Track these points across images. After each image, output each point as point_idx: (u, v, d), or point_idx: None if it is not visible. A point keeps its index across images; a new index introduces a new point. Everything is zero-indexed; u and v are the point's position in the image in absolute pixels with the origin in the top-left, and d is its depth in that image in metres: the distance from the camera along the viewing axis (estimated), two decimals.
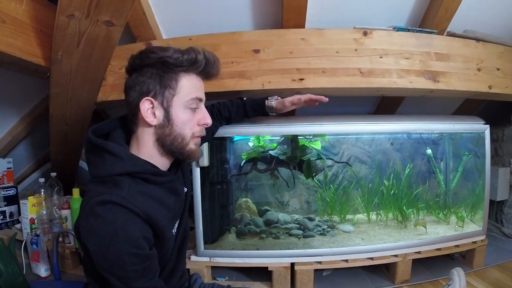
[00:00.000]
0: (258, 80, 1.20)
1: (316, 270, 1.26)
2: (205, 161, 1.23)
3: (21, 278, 1.23)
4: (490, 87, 1.30)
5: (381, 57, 1.20)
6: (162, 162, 0.71)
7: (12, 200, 1.63)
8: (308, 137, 1.42)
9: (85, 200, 0.62)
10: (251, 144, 1.50)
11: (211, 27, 1.27)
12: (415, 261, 1.30)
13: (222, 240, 1.38)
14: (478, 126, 1.37)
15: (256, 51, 1.20)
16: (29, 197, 1.46)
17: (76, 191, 1.43)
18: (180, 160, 0.75)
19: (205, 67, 0.70)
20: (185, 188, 0.81)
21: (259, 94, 1.22)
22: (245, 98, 1.09)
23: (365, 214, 1.58)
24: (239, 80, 1.20)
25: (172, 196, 0.71)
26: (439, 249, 1.33)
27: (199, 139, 0.74)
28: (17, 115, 1.68)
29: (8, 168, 1.76)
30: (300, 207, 1.64)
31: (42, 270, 1.36)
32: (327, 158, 1.51)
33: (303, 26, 1.23)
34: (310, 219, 1.50)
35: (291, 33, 1.20)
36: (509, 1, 1.30)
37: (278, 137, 1.47)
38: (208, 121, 0.73)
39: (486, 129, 1.36)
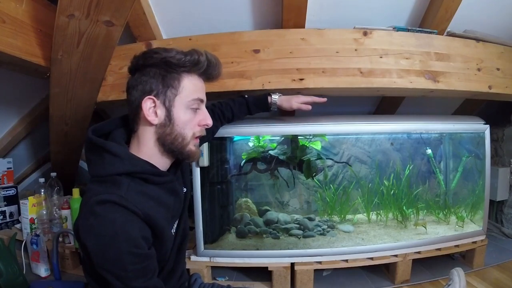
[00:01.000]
0: (258, 80, 1.20)
1: (316, 270, 1.26)
2: (205, 161, 1.23)
3: (21, 278, 1.23)
4: (490, 87, 1.30)
5: (381, 57, 1.20)
6: (162, 162, 0.71)
7: (12, 200, 1.63)
8: (308, 137, 1.42)
9: (84, 199, 0.63)
10: (251, 144, 1.50)
11: (211, 27, 1.27)
12: (415, 261, 1.30)
13: (222, 240, 1.38)
14: (478, 126, 1.37)
15: (256, 51, 1.20)
16: (29, 197, 1.46)
17: (76, 191, 1.43)
18: (180, 160, 0.75)
19: (207, 69, 0.71)
20: (185, 188, 0.81)
21: (259, 93, 1.22)
22: (246, 96, 1.11)
23: (365, 214, 1.58)
24: (239, 80, 1.20)
25: (171, 196, 0.72)
26: (439, 249, 1.33)
27: (197, 139, 0.74)
28: (17, 115, 1.68)
29: (8, 168, 1.76)
30: (300, 207, 1.64)
31: (42, 270, 1.36)
32: (327, 158, 1.52)
33: (303, 26, 1.23)
34: (310, 219, 1.50)
35: (291, 33, 1.20)
36: (509, 1, 1.30)
37: (278, 137, 1.47)
38: (209, 122, 0.73)
39: (486, 129, 1.36)
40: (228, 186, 1.52)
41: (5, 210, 1.60)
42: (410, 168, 1.53)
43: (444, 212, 1.55)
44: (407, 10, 1.32)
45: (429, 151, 1.59)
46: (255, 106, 1.11)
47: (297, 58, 1.19)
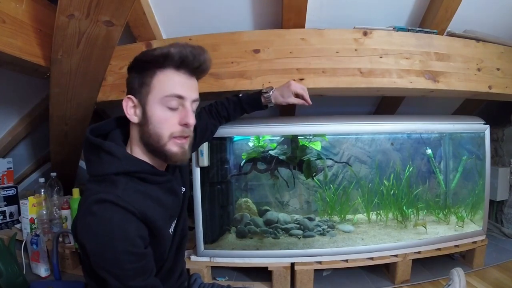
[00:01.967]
0: (258, 80, 1.20)
1: (316, 270, 1.26)
2: (205, 161, 1.23)
3: (21, 278, 1.23)
4: (490, 87, 1.30)
5: (381, 57, 1.20)
6: (155, 161, 0.70)
7: (12, 200, 1.63)
8: (308, 137, 1.42)
9: (82, 199, 0.63)
10: (251, 144, 1.50)
11: (211, 27, 1.27)
12: (415, 261, 1.30)
13: (222, 240, 1.38)
14: (478, 126, 1.37)
15: (256, 51, 1.20)
16: (29, 197, 1.46)
17: (76, 191, 1.43)
18: (166, 161, 0.72)
19: (184, 61, 0.66)
20: (183, 188, 0.81)
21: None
22: (240, 95, 1.05)
23: (365, 214, 1.58)
24: (239, 80, 1.20)
25: (169, 196, 0.72)
26: (439, 249, 1.33)
27: (183, 140, 0.69)
28: (17, 115, 1.68)
29: (8, 168, 1.76)
30: (300, 207, 1.64)
31: (42, 270, 1.36)
32: (327, 158, 1.52)
33: (303, 26, 1.23)
34: (310, 219, 1.50)
35: (291, 33, 1.20)
36: (509, 1, 1.30)
37: (278, 137, 1.47)
38: (189, 121, 0.67)
39: (486, 129, 1.36)
40: (228, 186, 1.52)
41: (5, 210, 1.60)
42: (410, 168, 1.52)
43: (444, 212, 1.55)
44: (407, 10, 1.32)
45: (429, 151, 1.58)
46: (249, 106, 1.05)
47: (297, 58, 1.19)
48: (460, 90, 1.27)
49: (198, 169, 1.23)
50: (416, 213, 1.50)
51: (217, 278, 1.32)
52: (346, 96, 1.51)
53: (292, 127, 1.26)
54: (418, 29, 1.27)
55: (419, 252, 1.30)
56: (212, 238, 1.35)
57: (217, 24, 1.28)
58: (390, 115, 1.70)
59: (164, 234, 0.68)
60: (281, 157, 1.43)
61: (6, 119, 1.67)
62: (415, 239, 1.36)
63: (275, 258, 1.27)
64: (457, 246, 1.36)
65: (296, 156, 1.43)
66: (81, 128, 1.46)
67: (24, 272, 1.30)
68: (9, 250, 1.28)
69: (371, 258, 1.28)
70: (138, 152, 0.69)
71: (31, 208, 1.45)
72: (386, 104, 1.74)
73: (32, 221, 1.46)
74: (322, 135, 1.41)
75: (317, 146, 1.43)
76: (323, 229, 1.44)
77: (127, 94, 0.69)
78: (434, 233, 1.40)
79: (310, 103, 1.04)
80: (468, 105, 1.77)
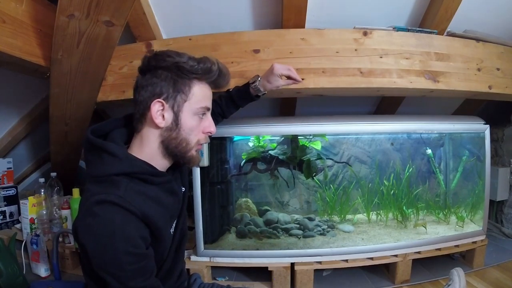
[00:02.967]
0: None
1: (316, 270, 1.26)
2: (205, 161, 1.23)
3: (21, 278, 1.23)
4: (490, 87, 1.30)
5: (381, 57, 1.20)
6: (161, 164, 0.71)
7: (12, 200, 1.63)
8: (308, 137, 1.42)
9: (83, 199, 0.63)
10: (251, 144, 1.50)
11: (211, 27, 1.27)
12: (415, 261, 1.30)
13: (222, 240, 1.38)
14: (478, 126, 1.37)
15: (256, 51, 1.20)
16: (29, 197, 1.46)
17: (76, 191, 1.43)
18: (179, 164, 0.76)
19: (217, 78, 0.72)
20: (183, 188, 0.81)
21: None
22: (230, 89, 1.01)
23: (365, 214, 1.58)
24: (239, 80, 1.20)
25: (170, 196, 0.72)
26: (439, 249, 1.33)
27: (202, 146, 0.75)
28: (17, 115, 1.68)
29: (8, 168, 1.76)
30: (300, 207, 1.64)
31: (42, 270, 1.36)
32: (327, 158, 1.52)
33: (303, 26, 1.23)
34: (310, 219, 1.50)
35: (291, 33, 1.20)
36: (509, 1, 1.30)
37: (278, 137, 1.47)
38: (213, 129, 0.74)
39: (486, 129, 1.36)
40: (228, 186, 1.52)
41: (5, 210, 1.59)
42: (410, 168, 1.52)
43: (444, 212, 1.55)
44: (407, 10, 1.32)
45: (429, 151, 1.59)
46: (240, 99, 1.02)
47: (297, 58, 1.19)
48: (460, 90, 1.27)
49: (198, 169, 1.23)
50: (416, 213, 1.50)
51: (217, 278, 1.32)
52: (346, 96, 1.51)
53: (292, 127, 1.26)
54: (418, 29, 1.27)
55: (419, 252, 1.30)
56: (212, 238, 1.35)
57: (217, 24, 1.28)
58: (390, 115, 1.70)
59: (165, 234, 0.68)
60: (281, 157, 1.43)
61: (6, 119, 1.67)
62: (415, 239, 1.36)
63: (275, 258, 1.27)
64: (457, 246, 1.36)
65: (296, 156, 1.43)
66: (81, 128, 1.46)
67: (24, 272, 1.30)
68: (9, 250, 1.28)
69: (371, 258, 1.28)
70: (149, 153, 0.69)
71: (31, 208, 1.45)
72: (386, 104, 1.74)
73: (32, 221, 1.46)
74: (322, 135, 1.41)
75: (317, 146, 1.44)
76: (323, 229, 1.44)
77: (153, 96, 0.66)
78: (434, 233, 1.40)
79: (301, 80, 1.00)
80: (468, 105, 1.77)
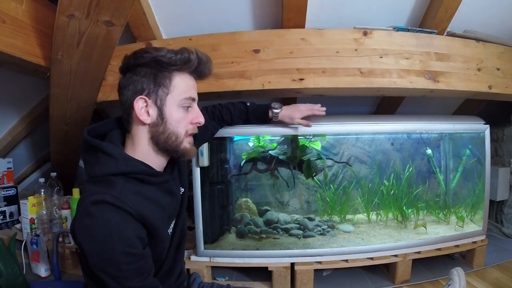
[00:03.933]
0: (258, 80, 1.20)
1: (316, 270, 1.26)
2: (205, 161, 1.23)
3: (21, 278, 1.23)
4: (490, 87, 1.30)
5: (381, 57, 1.20)
6: (157, 161, 0.71)
7: (12, 200, 1.63)
8: (308, 137, 1.42)
9: (80, 200, 0.63)
10: (251, 144, 1.50)
11: (211, 27, 1.27)
12: (415, 261, 1.30)
13: (222, 240, 1.38)
14: (478, 126, 1.37)
15: (256, 51, 1.20)
16: (29, 197, 1.46)
17: (76, 191, 1.43)
18: (175, 158, 0.75)
19: (198, 67, 0.70)
20: (182, 189, 0.81)
21: (259, 94, 1.22)
22: (248, 104, 1.07)
23: (365, 214, 1.58)
24: (239, 80, 1.20)
25: (167, 197, 0.72)
26: (439, 249, 1.33)
27: (191, 137, 0.74)
28: (17, 115, 1.68)
29: (8, 168, 1.76)
30: (300, 207, 1.64)
31: (42, 270, 1.36)
32: (327, 158, 1.51)
33: (303, 26, 1.23)
34: (310, 219, 1.50)
35: (291, 33, 1.20)
36: (509, 1, 1.30)
37: (278, 137, 1.47)
38: (201, 119, 0.72)
39: (486, 129, 1.36)
40: (228, 186, 1.52)
41: (5, 210, 1.60)
42: (410, 168, 1.52)
43: (444, 212, 1.55)
44: (407, 10, 1.32)
45: (429, 151, 1.58)
46: (255, 116, 1.08)
47: (297, 58, 1.19)
48: (460, 90, 1.27)
49: (198, 169, 1.23)
50: (416, 213, 1.50)
51: (217, 278, 1.32)
52: (346, 96, 1.51)
53: (292, 127, 1.26)
54: (418, 29, 1.27)
55: (419, 252, 1.30)
56: (212, 238, 1.35)
57: (217, 24, 1.28)
58: (390, 115, 1.70)
59: (162, 235, 0.68)
60: (281, 157, 1.43)
61: (6, 119, 1.67)
62: (415, 239, 1.36)
63: (275, 258, 1.27)
64: (457, 246, 1.36)
65: (296, 156, 1.43)
66: (81, 128, 1.46)
67: (24, 272, 1.30)
68: (9, 250, 1.28)
69: (371, 258, 1.28)
70: (142, 152, 0.69)
71: (31, 208, 1.45)
72: (386, 104, 1.74)
73: (32, 221, 1.46)
74: (322, 135, 1.41)
75: (317, 146, 1.43)
76: (323, 229, 1.44)
77: (135, 94, 0.67)
78: (434, 233, 1.40)
79: (324, 112, 1.12)
80: (468, 105, 1.77)
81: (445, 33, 1.31)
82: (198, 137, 0.94)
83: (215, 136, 1.11)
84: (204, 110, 1.01)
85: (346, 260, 1.27)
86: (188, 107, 0.70)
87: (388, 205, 1.53)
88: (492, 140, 1.55)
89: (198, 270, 1.23)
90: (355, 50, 1.20)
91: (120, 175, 0.63)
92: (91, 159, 0.66)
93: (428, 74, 1.23)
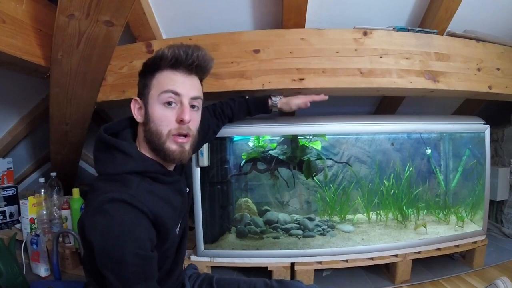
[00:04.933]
0: (258, 80, 1.20)
1: (316, 270, 1.26)
2: (205, 161, 1.23)
3: (21, 278, 1.23)
4: (490, 87, 1.30)
5: (381, 57, 1.20)
6: (160, 161, 0.71)
7: (12, 200, 1.63)
8: (308, 137, 1.42)
9: (92, 196, 0.62)
10: (251, 144, 1.50)
11: (211, 27, 1.27)
12: (415, 261, 1.30)
13: (222, 240, 1.38)
14: (478, 126, 1.37)
15: (256, 51, 1.20)
16: (29, 197, 1.46)
17: (76, 191, 1.43)
18: (166, 161, 0.71)
19: (177, 60, 0.67)
20: (187, 188, 0.82)
21: (259, 94, 1.22)
22: (247, 97, 1.12)
23: (365, 214, 1.58)
24: (239, 80, 1.20)
25: (178, 196, 0.73)
26: (439, 249, 1.33)
27: (184, 139, 0.69)
28: (17, 115, 1.68)
29: (8, 168, 1.76)
30: (300, 207, 1.64)
31: (42, 270, 1.36)
32: (327, 158, 1.51)
33: (303, 26, 1.23)
34: (310, 219, 1.50)
35: (291, 33, 1.20)
36: (509, 1, 1.30)
37: (278, 137, 1.47)
38: (184, 117, 0.67)
39: (486, 129, 1.36)
40: (228, 186, 1.52)
41: (5, 210, 1.59)
42: (410, 168, 1.52)
43: (444, 212, 1.55)
44: (407, 10, 1.32)
45: (429, 151, 1.58)
46: (255, 107, 1.12)
47: (297, 58, 1.19)
48: (460, 90, 1.27)
49: (198, 169, 1.23)
50: (416, 213, 1.50)
51: None
52: (346, 96, 1.51)
53: (292, 127, 1.26)
54: (418, 29, 1.27)
55: (419, 252, 1.30)
56: (212, 238, 1.35)
57: (217, 24, 1.28)
58: (390, 115, 1.70)
59: (171, 235, 0.69)
60: (281, 157, 1.43)
61: (6, 119, 1.67)
62: (415, 239, 1.36)
63: (275, 258, 1.27)
64: (457, 246, 1.36)
65: (296, 156, 1.43)
66: (81, 128, 1.46)
67: (24, 272, 1.30)
68: (9, 250, 1.28)
69: (371, 258, 1.28)
70: (144, 150, 0.70)
71: (31, 208, 1.45)
72: (386, 104, 1.74)
73: (32, 221, 1.46)
74: (322, 135, 1.41)
75: (317, 146, 1.43)
76: (323, 229, 1.44)
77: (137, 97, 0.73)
78: (434, 233, 1.40)
79: (324, 98, 1.14)
80: (468, 105, 1.77)
81: (445, 33, 1.31)
82: (200, 137, 0.95)
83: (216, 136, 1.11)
84: (205, 109, 1.02)
85: (346, 260, 1.27)
86: (170, 102, 0.67)
87: (388, 205, 1.53)
88: (492, 140, 1.55)
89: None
90: (355, 50, 1.20)
91: (135, 174, 0.64)
92: (105, 157, 0.66)
93: (428, 74, 1.23)
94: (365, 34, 1.20)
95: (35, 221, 1.46)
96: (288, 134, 1.38)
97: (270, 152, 1.45)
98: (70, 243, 1.43)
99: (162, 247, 0.67)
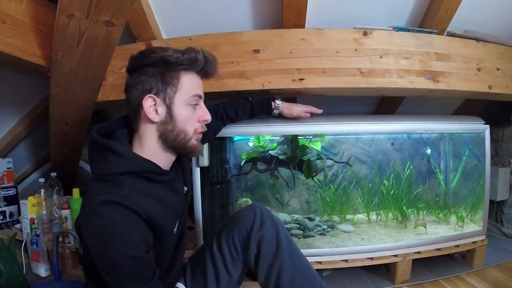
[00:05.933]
0: (258, 80, 1.20)
1: (316, 270, 1.26)
2: (205, 161, 1.23)
3: (21, 278, 1.23)
4: (490, 87, 1.30)
5: (381, 57, 1.20)
6: (165, 159, 0.72)
7: (12, 200, 1.63)
8: (308, 137, 1.42)
9: (86, 198, 0.63)
10: (251, 144, 1.50)
11: (211, 27, 1.27)
12: (415, 261, 1.30)
13: None
14: (478, 126, 1.37)
15: (256, 51, 1.20)
16: (29, 197, 1.46)
17: (76, 191, 1.43)
18: (182, 156, 0.77)
19: (204, 66, 0.72)
20: (185, 188, 0.82)
21: (259, 94, 1.22)
22: (250, 98, 1.14)
23: (365, 214, 1.58)
24: (239, 80, 1.20)
25: (173, 195, 0.72)
26: (439, 249, 1.33)
27: (201, 135, 0.76)
28: (17, 115, 1.68)
29: (8, 168, 1.76)
30: (300, 207, 1.64)
31: (42, 270, 1.36)
32: (327, 158, 1.51)
33: (303, 26, 1.23)
34: (310, 219, 1.50)
35: (291, 33, 1.20)
36: (509, 1, 1.30)
37: (278, 137, 1.47)
38: (208, 117, 0.74)
39: (486, 129, 1.36)
40: (228, 186, 1.52)
41: (5, 210, 1.59)
42: (410, 168, 1.52)
43: (444, 212, 1.55)
44: (407, 10, 1.32)
45: (429, 151, 1.58)
46: (258, 108, 1.14)
47: (297, 58, 1.19)
48: (460, 90, 1.27)
49: (198, 169, 1.23)
50: (416, 213, 1.50)
51: None
52: (346, 96, 1.51)
53: (292, 127, 1.26)
54: (418, 29, 1.27)
55: (419, 252, 1.30)
56: None
57: (217, 24, 1.28)
58: (390, 115, 1.70)
59: (168, 234, 0.69)
60: (281, 157, 1.43)
61: (6, 119, 1.67)
62: (415, 239, 1.36)
63: None
64: (457, 246, 1.36)
65: (296, 156, 1.43)
66: (81, 128, 1.46)
67: (24, 272, 1.30)
68: (9, 250, 1.28)
69: (371, 258, 1.28)
70: (150, 150, 0.70)
71: (31, 208, 1.45)
72: (386, 104, 1.74)
73: (32, 221, 1.46)
74: (322, 135, 1.41)
75: (317, 146, 1.43)
76: (323, 229, 1.44)
77: (143, 93, 0.68)
78: (434, 233, 1.40)
79: (320, 111, 1.19)
80: (468, 105, 1.77)
81: (445, 33, 1.31)
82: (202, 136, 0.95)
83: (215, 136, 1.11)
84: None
85: (346, 260, 1.27)
86: (195, 105, 0.72)
87: (388, 205, 1.53)
88: (492, 140, 1.55)
89: None
90: (355, 50, 1.20)
91: (127, 174, 0.64)
92: (98, 157, 0.66)
93: (428, 74, 1.23)
94: (365, 34, 1.20)
95: (35, 221, 1.46)
96: (288, 134, 1.38)
97: (270, 152, 1.45)
98: (70, 243, 1.43)
99: (161, 246, 0.67)
